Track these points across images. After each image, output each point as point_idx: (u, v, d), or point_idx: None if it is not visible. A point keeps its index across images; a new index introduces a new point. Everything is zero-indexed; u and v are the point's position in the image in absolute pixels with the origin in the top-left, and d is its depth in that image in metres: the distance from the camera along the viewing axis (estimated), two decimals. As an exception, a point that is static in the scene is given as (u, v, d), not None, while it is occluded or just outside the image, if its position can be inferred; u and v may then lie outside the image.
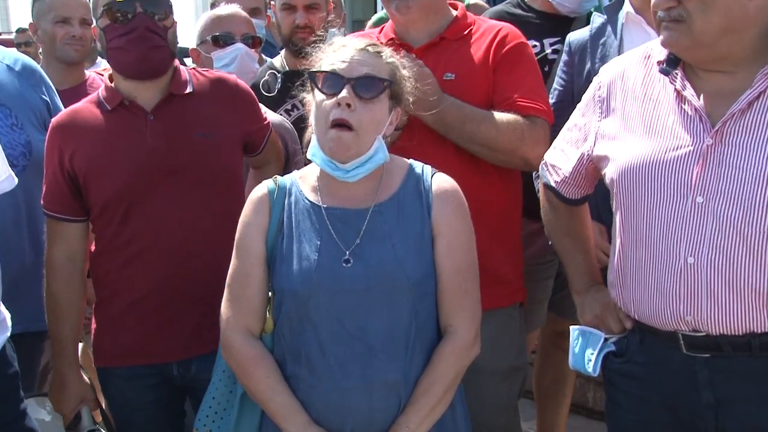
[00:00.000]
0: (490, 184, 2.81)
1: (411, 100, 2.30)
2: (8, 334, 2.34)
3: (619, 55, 2.91)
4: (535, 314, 3.41)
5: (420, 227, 2.21)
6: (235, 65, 3.25)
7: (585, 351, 2.38)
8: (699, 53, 2.08)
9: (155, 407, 2.72)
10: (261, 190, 2.28)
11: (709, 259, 2.04)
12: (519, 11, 3.62)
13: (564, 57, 3.29)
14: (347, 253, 2.15)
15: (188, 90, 2.71)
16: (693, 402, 2.14)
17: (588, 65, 3.11)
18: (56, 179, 2.67)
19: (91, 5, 2.75)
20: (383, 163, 2.22)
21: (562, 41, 3.41)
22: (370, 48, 2.19)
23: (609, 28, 3.13)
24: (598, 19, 3.21)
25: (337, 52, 2.18)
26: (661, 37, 2.10)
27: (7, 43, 8.62)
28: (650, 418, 2.24)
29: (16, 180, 2.51)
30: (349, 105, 2.11)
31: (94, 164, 2.63)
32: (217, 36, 3.29)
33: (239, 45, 3.28)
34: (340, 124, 2.12)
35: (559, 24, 3.55)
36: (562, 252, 2.55)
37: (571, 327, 2.45)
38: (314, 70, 2.20)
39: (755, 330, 2.04)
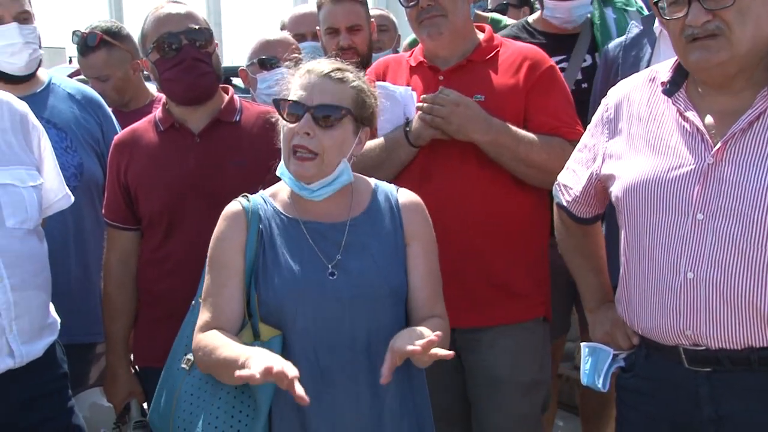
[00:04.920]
0: (512, 199, 2.87)
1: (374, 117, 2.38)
2: (56, 336, 2.54)
3: (648, 66, 2.94)
4: (556, 321, 3.34)
5: (393, 238, 2.32)
6: (278, 88, 3.41)
7: (595, 367, 2.43)
8: (731, 67, 2.10)
9: None
10: (235, 207, 2.34)
11: (708, 275, 2.08)
12: (525, 35, 3.68)
13: (600, 69, 3.33)
14: (330, 266, 2.25)
15: (235, 119, 2.89)
16: (694, 417, 2.18)
17: (619, 77, 3.08)
18: (114, 190, 2.91)
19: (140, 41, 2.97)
20: (349, 183, 2.32)
21: (567, 59, 3.49)
22: (333, 74, 2.27)
23: (645, 39, 3.15)
24: (634, 29, 3.24)
25: (302, 77, 2.29)
26: (695, 56, 2.11)
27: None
28: None
29: (73, 198, 2.76)
30: (308, 133, 2.22)
31: (144, 179, 2.85)
32: (264, 59, 3.45)
33: (283, 69, 3.43)
34: (302, 152, 2.22)
35: (563, 42, 3.62)
36: (574, 270, 2.60)
37: (582, 344, 2.50)
38: (279, 98, 2.31)
39: (754, 344, 2.08)
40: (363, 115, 2.32)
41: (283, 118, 2.29)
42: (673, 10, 2.13)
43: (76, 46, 3.90)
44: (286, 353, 2.21)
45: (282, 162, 2.31)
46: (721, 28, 2.06)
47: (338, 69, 2.30)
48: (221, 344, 2.18)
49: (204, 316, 2.29)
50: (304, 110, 2.24)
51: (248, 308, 2.28)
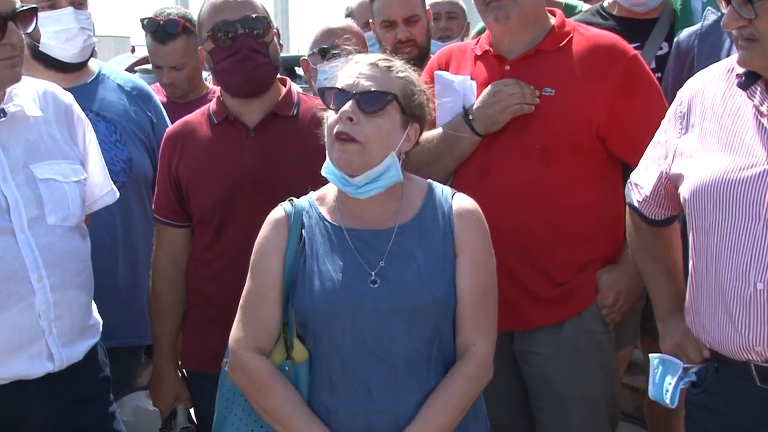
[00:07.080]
0: (577, 198, 2.73)
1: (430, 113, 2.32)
2: (97, 338, 2.46)
3: (728, 56, 2.78)
4: (625, 332, 3.23)
5: (442, 247, 2.21)
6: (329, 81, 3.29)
7: (664, 380, 2.32)
8: None
9: None
10: (278, 212, 2.29)
11: None
12: (599, 20, 3.54)
13: (671, 61, 3.18)
14: (373, 274, 2.16)
15: (292, 112, 2.77)
16: None
17: (695, 68, 2.94)
18: (164, 186, 2.82)
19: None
20: (399, 183, 2.22)
21: (641, 46, 3.33)
22: (380, 63, 2.22)
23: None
24: (711, 16, 3.06)
25: (350, 68, 2.23)
26: (739, 55, 2.05)
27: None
28: None
29: (118, 194, 2.68)
30: (351, 119, 2.13)
31: (196, 174, 2.76)
32: (325, 48, 3.33)
33: (340, 61, 3.31)
34: (344, 137, 2.14)
35: (640, 28, 3.46)
36: (645, 275, 2.49)
37: (651, 355, 2.39)
38: (323, 86, 2.24)
39: None
40: (411, 107, 2.23)
41: (329, 108, 2.20)
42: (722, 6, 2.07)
43: (151, 33, 3.75)
44: (320, 365, 2.18)
45: (327, 158, 2.22)
46: (754, 34, 1.99)
47: (385, 59, 2.26)
48: (290, 410, 2.16)
49: (243, 328, 2.25)
50: (348, 97, 2.16)
51: (284, 317, 2.24)
